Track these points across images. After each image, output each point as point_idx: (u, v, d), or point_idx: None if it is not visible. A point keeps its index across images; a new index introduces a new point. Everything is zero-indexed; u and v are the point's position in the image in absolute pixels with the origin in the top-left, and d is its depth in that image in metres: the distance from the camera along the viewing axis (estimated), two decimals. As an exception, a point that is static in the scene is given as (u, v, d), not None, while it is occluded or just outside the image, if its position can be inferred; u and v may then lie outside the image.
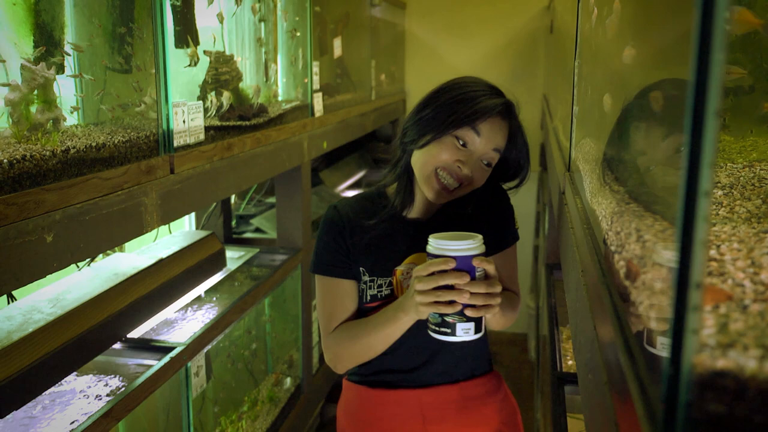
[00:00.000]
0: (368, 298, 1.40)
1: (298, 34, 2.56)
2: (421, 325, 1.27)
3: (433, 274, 1.15)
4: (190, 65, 1.67)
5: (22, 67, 1.19)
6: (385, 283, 1.39)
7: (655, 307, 0.45)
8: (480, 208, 1.42)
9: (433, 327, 1.18)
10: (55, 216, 1.19)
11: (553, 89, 2.84)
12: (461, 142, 1.31)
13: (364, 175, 4.43)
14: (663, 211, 0.53)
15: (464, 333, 1.16)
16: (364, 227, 1.41)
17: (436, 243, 1.16)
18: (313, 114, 2.68)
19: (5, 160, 1.09)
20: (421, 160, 1.35)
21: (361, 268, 1.40)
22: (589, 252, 0.85)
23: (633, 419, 0.46)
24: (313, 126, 2.67)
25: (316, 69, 2.70)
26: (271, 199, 3.26)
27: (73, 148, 1.25)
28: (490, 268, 1.16)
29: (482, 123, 1.31)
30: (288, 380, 2.67)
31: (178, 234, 2.31)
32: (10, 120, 1.19)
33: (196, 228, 2.62)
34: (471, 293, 1.13)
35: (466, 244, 1.14)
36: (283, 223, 2.64)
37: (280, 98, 2.41)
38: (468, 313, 1.14)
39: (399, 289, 1.39)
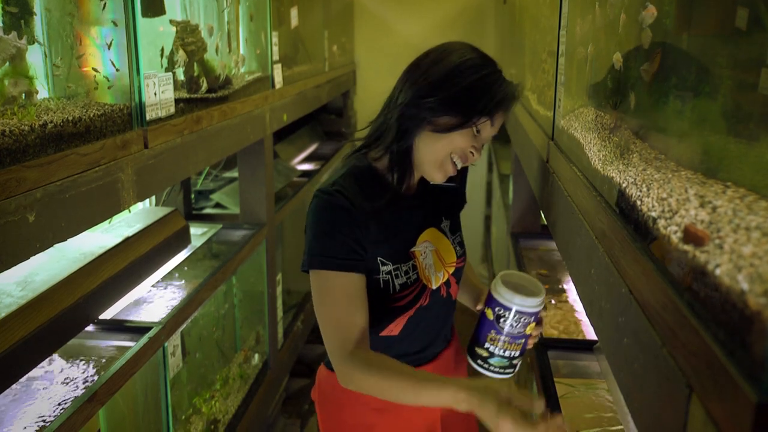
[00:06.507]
0: (397, 287, 1.31)
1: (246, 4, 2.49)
2: (427, 312, 1.37)
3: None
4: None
5: (-6, 36, 1.11)
6: (410, 268, 1.34)
7: (747, 270, 0.46)
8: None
9: (498, 369, 1.28)
10: (36, 194, 1.13)
11: (512, 60, 2.85)
12: (477, 129, 1.27)
13: (317, 148, 4.37)
14: (736, 179, 0.54)
15: (518, 367, 1.30)
16: (368, 212, 1.28)
17: (522, 301, 1.23)
18: (273, 86, 2.62)
19: (-15, 136, 1.02)
20: (435, 144, 1.28)
21: (379, 259, 1.29)
22: (606, 218, 0.86)
23: (723, 380, 0.47)
24: (274, 98, 2.61)
25: (275, 39, 2.63)
26: (229, 174, 3.18)
27: (51, 122, 1.19)
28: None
29: (499, 113, 1.29)
30: (256, 356, 2.64)
31: (140, 211, 2.24)
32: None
33: (156, 204, 2.53)
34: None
35: (541, 300, 1.25)
36: (247, 198, 2.59)
37: (242, 70, 2.34)
38: (528, 347, 1.30)
39: (422, 271, 1.36)
